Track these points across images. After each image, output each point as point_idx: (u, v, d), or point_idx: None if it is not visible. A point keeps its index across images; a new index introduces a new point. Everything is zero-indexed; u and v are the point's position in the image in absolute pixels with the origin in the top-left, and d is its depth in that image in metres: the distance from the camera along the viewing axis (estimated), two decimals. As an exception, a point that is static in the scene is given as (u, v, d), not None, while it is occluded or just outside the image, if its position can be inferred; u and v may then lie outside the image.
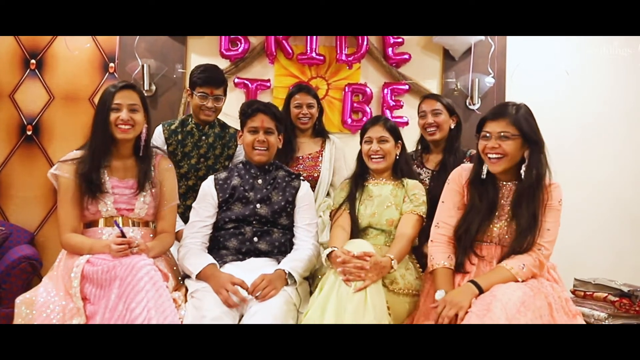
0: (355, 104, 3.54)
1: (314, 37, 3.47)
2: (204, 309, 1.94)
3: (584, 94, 3.69)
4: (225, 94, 2.74)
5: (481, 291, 1.83)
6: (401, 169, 2.37)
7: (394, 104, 3.54)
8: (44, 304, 1.92)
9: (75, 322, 1.88)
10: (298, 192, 2.32)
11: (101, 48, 3.56)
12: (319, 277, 2.17)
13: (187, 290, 2.11)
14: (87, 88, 3.56)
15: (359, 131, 2.47)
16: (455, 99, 3.37)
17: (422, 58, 3.62)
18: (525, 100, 2.05)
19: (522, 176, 1.96)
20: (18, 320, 1.93)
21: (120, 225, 2.05)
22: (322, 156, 2.90)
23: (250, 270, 2.09)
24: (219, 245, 2.26)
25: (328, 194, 2.85)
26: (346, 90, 3.54)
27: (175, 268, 2.23)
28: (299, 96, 2.89)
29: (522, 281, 1.87)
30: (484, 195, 2.02)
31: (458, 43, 3.51)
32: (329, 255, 2.01)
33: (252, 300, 1.99)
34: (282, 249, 2.27)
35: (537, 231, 1.93)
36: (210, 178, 2.34)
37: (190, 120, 2.77)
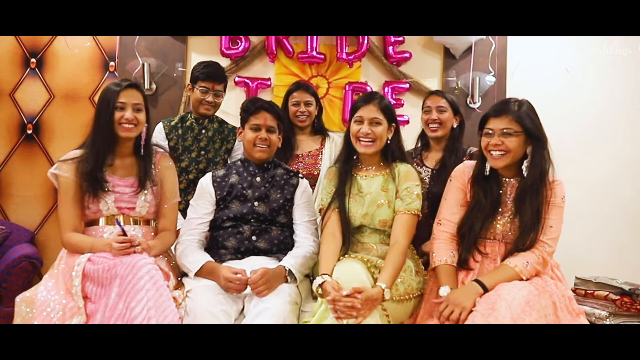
0: (355, 103, 3.54)
1: (315, 35, 3.46)
2: (197, 309, 1.93)
3: (584, 93, 3.69)
4: (224, 91, 2.82)
5: (486, 290, 1.83)
6: (392, 152, 2.19)
7: (395, 102, 3.53)
8: (44, 303, 1.92)
9: (75, 320, 1.88)
10: (297, 190, 2.32)
11: (101, 47, 3.56)
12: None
13: (187, 288, 2.11)
14: (87, 87, 3.55)
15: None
16: (455, 97, 3.36)
17: (423, 56, 3.62)
18: (526, 98, 2.05)
19: (525, 172, 1.95)
20: (18, 319, 1.93)
21: (122, 223, 2.05)
22: (322, 154, 2.90)
23: (250, 267, 2.08)
24: (217, 245, 2.25)
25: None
26: (347, 88, 3.53)
27: (174, 264, 2.22)
28: (297, 94, 2.89)
29: (527, 279, 1.87)
30: (487, 192, 2.01)
31: (459, 42, 3.51)
32: (320, 285, 1.89)
33: (253, 299, 1.99)
34: (281, 247, 2.27)
35: (540, 228, 1.93)
36: (208, 175, 2.34)
37: (189, 116, 2.84)
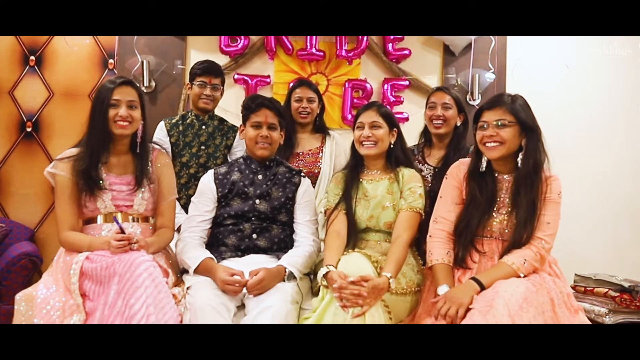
0: (355, 100, 3.54)
1: (314, 35, 3.45)
2: (197, 303, 1.93)
3: (584, 90, 3.69)
4: (222, 86, 2.86)
5: (483, 288, 1.82)
6: (396, 157, 2.25)
7: (394, 99, 3.53)
8: (43, 300, 1.92)
9: (74, 318, 1.88)
10: (298, 189, 2.31)
11: (100, 44, 3.56)
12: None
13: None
14: (86, 84, 3.56)
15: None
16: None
17: (423, 54, 3.62)
18: (525, 95, 2.04)
19: (520, 164, 1.95)
20: (18, 316, 1.93)
21: (120, 221, 2.05)
22: (322, 152, 2.89)
23: (250, 265, 2.08)
24: (218, 242, 2.25)
25: (328, 191, 2.84)
26: (346, 86, 3.53)
27: (173, 261, 2.22)
28: (300, 90, 2.90)
29: (524, 276, 1.86)
30: (482, 187, 2.01)
31: (458, 39, 3.51)
32: (325, 275, 1.92)
33: (254, 298, 1.99)
34: (282, 245, 2.26)
35: (536, 222, 1.92)
36: (210, 172, 2.33)
37: (190, 114, 2.89)
